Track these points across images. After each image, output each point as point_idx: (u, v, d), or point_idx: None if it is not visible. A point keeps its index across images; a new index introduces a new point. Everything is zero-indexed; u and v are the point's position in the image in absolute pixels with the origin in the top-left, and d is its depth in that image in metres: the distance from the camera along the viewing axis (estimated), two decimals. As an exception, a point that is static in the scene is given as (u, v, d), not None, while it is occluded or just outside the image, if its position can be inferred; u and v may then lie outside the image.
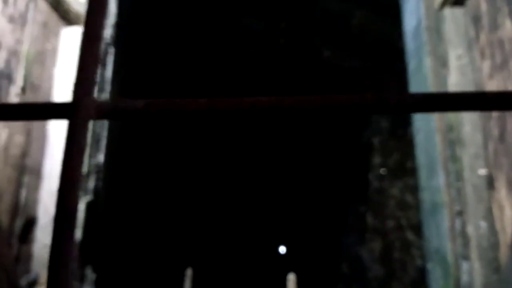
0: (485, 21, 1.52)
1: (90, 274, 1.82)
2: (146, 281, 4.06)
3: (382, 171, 4.87)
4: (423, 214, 2.25)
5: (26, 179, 1.59)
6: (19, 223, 1.54)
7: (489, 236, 1.40)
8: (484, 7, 1.52)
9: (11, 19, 1.50)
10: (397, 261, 4.62)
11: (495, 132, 1.44)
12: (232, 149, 5.28)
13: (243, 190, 5.22)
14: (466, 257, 1.47)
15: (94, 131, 1.90)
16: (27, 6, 1.59)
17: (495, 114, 1.46)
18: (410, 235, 4.67)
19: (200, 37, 4.84)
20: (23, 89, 1.57)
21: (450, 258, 1.63)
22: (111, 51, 2.03)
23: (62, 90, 1.77)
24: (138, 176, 4.16)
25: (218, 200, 5.09)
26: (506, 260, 1.32)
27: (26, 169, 1.60)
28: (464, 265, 1.47)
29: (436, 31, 1.78)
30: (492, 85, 1.47)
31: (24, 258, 1.56)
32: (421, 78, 2.01)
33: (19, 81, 1.55)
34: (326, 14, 5.13)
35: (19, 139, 1.55)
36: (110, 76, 2.02)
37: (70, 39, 1.82)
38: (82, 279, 1.78)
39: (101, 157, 1.94)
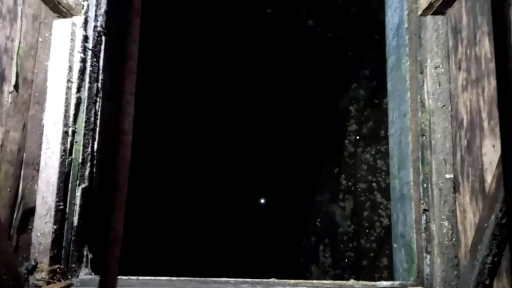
0: (464, 34, 1.62)
1: (87, 254, 1.95)
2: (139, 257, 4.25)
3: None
4: (392, 198, 2.44)
5: (24, 172, 1.66)
6: (18, 215, 1.62)
7: (451, 235, 1.59)
8: (465, 21, 1.61)
9: (0, 16, 1.50)
10: (366, 219, 4.96)
11: (463, 142, 1.59)
12: (217, 119, 5.37)
13: (230, 149, 5.37)
14: (429, 252, 1.67)
15: (88, 119, 1.95)
16: (15, 0, 1.58)
17: (465, 125, 1.60)
18: (378, 197, 4.98)
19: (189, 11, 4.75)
20: (16, 86, 1.59)
21: (414, 247, 1.83)
22: (103, 39, 2.03)
23: (56, 83, 1.79)
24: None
25: (204, 162, 5.21)
26: (465, 259, 1.51)
27: (24, 162, 1.66)
28: (427, 258, 1.67)
29: (417, 36, 1.87)
30: (465, 98, 1.60)
31: (23, 246, 1.66)
32: (400, 78, 2.12)
33: (12, 78, 1.57)
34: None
35: (14, 135, 1.59)
36: (103, 66, 2.04)
37: (63, 31, 1.82)
38: (80, 259, 1.90)
39: (95, 146, 2.01)
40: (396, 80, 2.24)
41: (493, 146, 1.35)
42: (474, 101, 1.51)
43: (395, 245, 2.32)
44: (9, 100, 1.56)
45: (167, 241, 4.75)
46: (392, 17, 2.38)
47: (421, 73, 1.81)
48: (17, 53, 1.60)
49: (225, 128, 5.40)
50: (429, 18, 1.77)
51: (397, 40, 2.24)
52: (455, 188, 1.64)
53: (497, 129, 1.37)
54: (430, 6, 1.73)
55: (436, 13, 1.76)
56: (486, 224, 1.32)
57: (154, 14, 4.39)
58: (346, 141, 5.20)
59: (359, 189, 5.13)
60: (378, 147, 5.07)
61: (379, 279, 4.71)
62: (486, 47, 1.43)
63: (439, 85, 1.71)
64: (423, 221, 1.73)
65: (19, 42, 1.60)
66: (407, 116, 1.98)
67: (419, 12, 1.82)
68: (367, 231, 4.98)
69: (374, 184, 5.09)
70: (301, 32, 5.31)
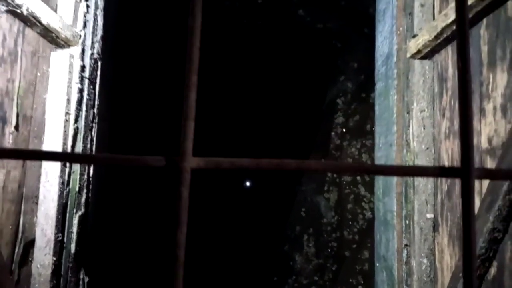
0: (449, 84, 1.70)
1: (83, 277, 2.03)
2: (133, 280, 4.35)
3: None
4: (376, 218, 2.57)
5: (24, 207, 1.71)
6: (19, 249, 1.68)
7: (429, 272, 1.71)
8: (450, 72, 1.70)
9: (1, 60, 1.52)
10: (349, 211, 5.14)
11: (444, 187, 1.70)
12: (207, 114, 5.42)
13: (216, 137, 5.44)
14: (409, 285, 1.80)
15: (84, 147, 1.99)
16: (15, 41, 1.59)
17: (446, 170, 1.70)
18: (362, 190, 5.14)
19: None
20: (16, 127, 1.62)
21: (395, 275, 1.96)
22: (99, 65, 2.05)
23: (54, 116, 1.82)
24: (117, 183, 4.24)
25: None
26: (439, 298, 1.64)
27: (23, 197, 1.71)
28: (406, 291, 1.80)
29: (405, 75, 1.94)
30: (447, 145, 1.70)
31: (24, 278, 1.73)
32: (388, 108, 2.21)
33: (12, 119, 1.60)
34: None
35: (15, 173, 1.64)
36: (99, 91, 2.07)
37: (60, 63, 1.84)
38: (77, 283, 1.98)
39: (91, 172, 2.06)
40: (384, 108, 2.33)
41: (471, 202, 1.45)
42: (456, 152, 1.61)
43: (377, 264, 2.46)
44: (10, 141, 1.59)
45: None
46: (382, 44, 2.44)
47: (408, 113, 1.90)
48: (17, 93, 1.62)
49: (212, 114, 5.44)
50: (417, 62, 1.85)
51: (386, 69, 2.31)
52: (435, 227, 1.76)
53: (475, 185, 1.47)
54: (418, 51, 1.80)
55: (423, 58, 1.83)
56: (460, 274, 1.43)
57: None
58: (333, 133, 5.32)
59: (344, 182, 5.29)
60: (363, 141, 5.20)
61: (361, 271, 4.93)
62: (469, 104, 1.52)
63: (424, 128, 1.80)
64: (404, 255, 1.85)
65: (19, 82, 1.63)
66: (393, 148, 2.08)
67: (408, 55, 1.89)
68: (350, 223, 5.17)
69: (358, 178, 5.26)
70: (291, 22, 5.35)
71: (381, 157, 2.41)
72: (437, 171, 0.41)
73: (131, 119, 4.63)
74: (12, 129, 1.60)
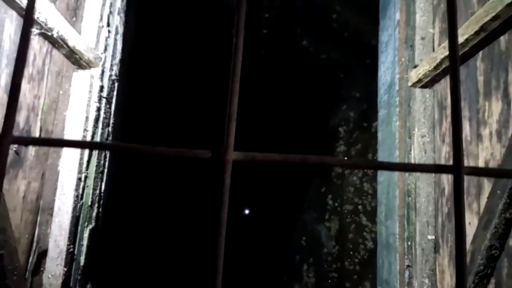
0: (449, 112, 1.80)
1: (89, 291, 2.07)
2: None
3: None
4: (378, 242, 2.62)
5: (40, 218, 1.78)
6: (33, 259, 1.74)
7: (429, 293, 1.76)
8: (449, 100, 1.80)
9: (30, 78, 1.63)
10: (350, 241, 5.13)
11: (444, 209, 1.77)
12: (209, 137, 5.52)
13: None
14: (410, 306, 1.84)
15: (98, 163, 2.08)
16: (43, 61, 1.71)
17: (446, 194, 1.78)
18: (364, 220, 5.16)
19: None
20: (40, 139, 1.72)
21: (397, 297, 2.00)
22: (116, 86, 2.17)
23: (73, 132, 1.92)
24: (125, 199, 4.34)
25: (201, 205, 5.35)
26: (439, 318, 1.69)
27: (40, 209, 1.78)
28: (408, 312, 1.84)
29: (407, 103, 2.05)
30: (447, 169, 1.78)
31: (35, 287, 1.78)
32: (390, 134, 2.30)
33: (36, 133, 1.70)
34: (308, 6, 5.31)
35: (35, 185, 1.72)
36: (114, 110, 2.18)
37: (81, 83, 1.95)
38: (83, 296, 2.02)
39: (102, 187, 2.14)
40: (386, 134, 2.42)
41: (469, 223, 1.52)
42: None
43: (379, 287, 2.49)
44: (33, 154, 1.68)
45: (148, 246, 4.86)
46: (384, 73, 2.56)
47: (409, 138, 1.99)
48: (42, 109, 1.73)
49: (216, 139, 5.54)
50: (418, 90, 1.95)
51: (388, 97, 2.42)
52: (436, 248, 1.81)
53: (474, 205, 1.55)
54: (419, 80, 1.91)
55: (424, 86, 1.94)
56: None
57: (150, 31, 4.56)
58: (334, 162, 5.37)
59: (345, 211, 5.31)
60: (365, 170, 5.27)
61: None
62: (466, 130, 1.61)
63: (425, 153, 1.89)
64: (406, 276, 1.90)
65: (44, 99, 1.73)
66: (395, 172, 2.16)
67: (409, 84, 2.00)
68: (351, 253, 5.16)
69: (360, 207, 5.28)
70: (295, 52, 5.51)
71: (383, 182, 2.48)
72: (433, 168, 0.50)
73: (142, 136, 4.74)
74: (35, 142, 1.69)
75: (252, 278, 5.29)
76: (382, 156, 2.56)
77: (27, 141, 0.46)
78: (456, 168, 0.51)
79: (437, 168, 0.50)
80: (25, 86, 1.59)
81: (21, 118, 1.60)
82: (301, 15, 5.35)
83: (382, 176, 2.53)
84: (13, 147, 1.57)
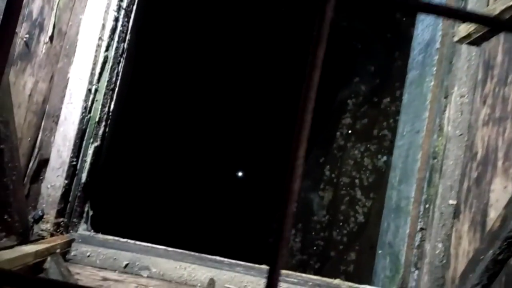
0: (496, 72, 1.66)
1: (87, 211, 1.98)
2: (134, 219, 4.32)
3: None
4: (386, 207, 2.54)
5: (44, 123, 1.66)
6: (34, 164, 1.63)
7: (442, 257, 1.68)
8: (499, 59, 1.66)
9: (51, -35, 1.47)
10: (342, 212, 5.10)
11: (473, 174, 1.67)
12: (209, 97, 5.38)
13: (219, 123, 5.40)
14: (418, 268, 1.77)
15: (110, 79, 1.94)
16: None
17: (479, 158, 1.67)
18: (358, 194, 5.11)
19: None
20: (51, 37, 1.57)
21: (402, 259, 1.93)
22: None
23: (87, 39, 1.77)
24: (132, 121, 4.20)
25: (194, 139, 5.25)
26: (451, 282, 1.61)
27: (45, 113, 1.66)
28: (415, 273, 1.77)
29: (447, 60, 1.91)
30: (484, 133, 1.66)
31: (33, 196, 1.68)
32: (420, 95, 2.17)
33: (49, 29, 1.55)
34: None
35: (42, 86, 1.58)
36: (131, 26, 2.02)
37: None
38: (81, 214, 1.93)
39: (111, 106, 2.00)
40: (415, 95, 2.29)
41: (505, 187, 1.42)
42: (493, 139, 1.58)
43: (379, 251, 2.43)
44: (43, 51, 1.54)
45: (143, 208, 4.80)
46: (422, 32, 2.40)
47: (445, 97, 1.86)
48: (58, 4, 1.57)
49: (219, 98, 5.40)
50: (464, 46, 1.81)
51: (423, 57, 2.27)
52: (455, 214, 1.72)
53: (511, 171, 1.44)
54: (468, 36, 1.76)
55: (471, 43, 1.79)
56: (482, 257, 1.40)
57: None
58: (338, 133, 5.26)
59: (341, 183, 5.24)
60: (368, 145, 5.16)
61: (345, 272, 4.89)
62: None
63: (461, 114, 1.76)
64: (418, 238, 1.82)
65: (61, -7, 1.58)
66: (421, 134, 2.04)
67: (455, 39, 1.85)
68: (340, 224, 5.13)
69: (356, 181, 5.21)
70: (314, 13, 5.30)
71: (402, 145, 2.37)
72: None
73: (156, 61, 4.55)
74: (47, 39, 1.55)
75: (238, 238, 5.28)
76: (405, 119, 2.43)
77: None
78: None
79: None
80: (43, -29, 1.43)
81: (35, 6, 1.44)
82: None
83: (402, 140, 2.42)
84: (24, 37, 1.42)
